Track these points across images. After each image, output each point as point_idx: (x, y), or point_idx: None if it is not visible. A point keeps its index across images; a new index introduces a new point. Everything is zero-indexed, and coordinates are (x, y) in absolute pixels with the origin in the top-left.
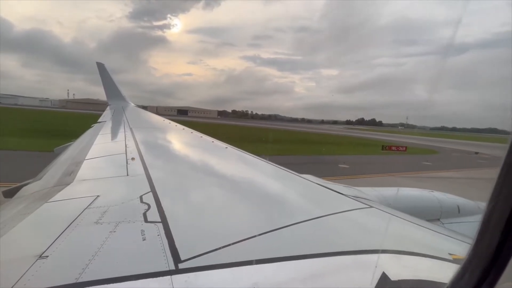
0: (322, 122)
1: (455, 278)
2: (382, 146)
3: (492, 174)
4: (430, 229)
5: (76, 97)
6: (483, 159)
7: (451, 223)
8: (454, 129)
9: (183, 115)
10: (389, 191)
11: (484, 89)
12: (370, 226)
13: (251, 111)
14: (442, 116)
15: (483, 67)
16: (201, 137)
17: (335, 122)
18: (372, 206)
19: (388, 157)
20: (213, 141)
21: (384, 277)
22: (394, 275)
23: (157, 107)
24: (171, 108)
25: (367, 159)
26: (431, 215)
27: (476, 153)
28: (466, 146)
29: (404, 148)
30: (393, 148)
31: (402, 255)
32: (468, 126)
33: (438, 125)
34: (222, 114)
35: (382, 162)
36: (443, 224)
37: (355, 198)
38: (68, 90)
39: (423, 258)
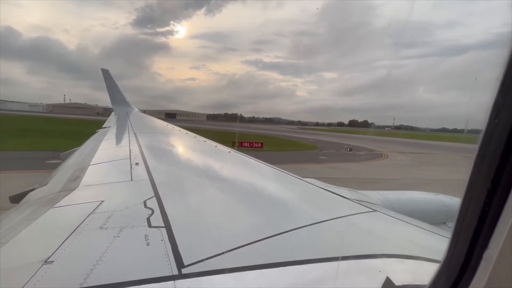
0: (317, 124)
1: (433, 281)
2: (232, 142)
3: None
4: (435, 233)
5: (73, 101)
6: (340, 155)
7: None
8: (455, 131)
9: (171, 119)
10: (393, 195)
11: (484, 90)
12: (374, 230)
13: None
14: (438, 117)
15: (483, 67)
16: (205, 141)
17: (329, 125)
18: (376, 210)
19: None
20: (216, 146)
21: (388, 282)
22: (398, 280)
23: (144, 111)
24: (159, 112)
25: None
26: (437, 219)
27: (350, 149)
28: (392, 144)
29: (259, 145)
30: (245, 144)
31: (407, 260)
32: (469, 128)
33: (438, 126)
34: (214, 117)
35: None
36: (449, 228)
37: (359, 202)
38: (64, 95)
39: (428, 262)
